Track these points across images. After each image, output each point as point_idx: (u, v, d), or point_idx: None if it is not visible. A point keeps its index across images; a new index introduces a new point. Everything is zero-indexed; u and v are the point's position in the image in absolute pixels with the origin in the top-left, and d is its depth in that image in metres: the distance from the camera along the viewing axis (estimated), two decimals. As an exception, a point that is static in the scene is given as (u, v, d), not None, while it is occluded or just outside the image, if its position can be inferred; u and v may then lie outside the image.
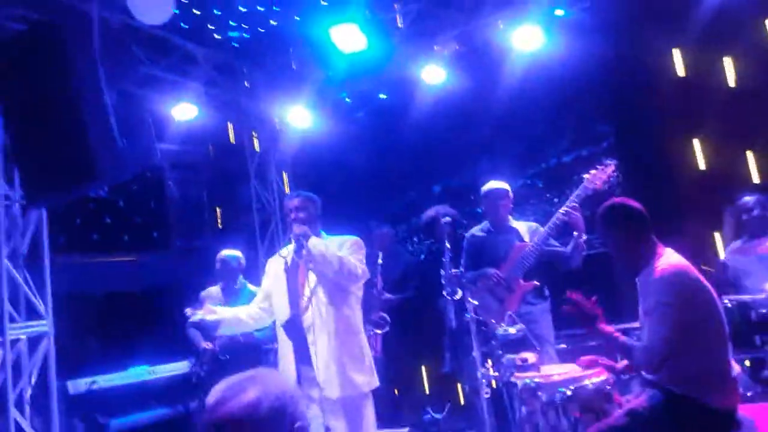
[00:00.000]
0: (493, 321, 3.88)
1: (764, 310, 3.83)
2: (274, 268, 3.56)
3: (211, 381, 4.87)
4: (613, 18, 5.49)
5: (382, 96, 7.10)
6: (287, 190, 7.47)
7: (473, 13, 5.92)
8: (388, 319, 5.21)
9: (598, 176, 4.08)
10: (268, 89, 7.24)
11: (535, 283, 4.22)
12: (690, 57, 5.57)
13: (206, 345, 5.00)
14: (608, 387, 3.00)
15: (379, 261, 5.32)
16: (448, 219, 4.51)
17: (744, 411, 2.78)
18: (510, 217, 4.53)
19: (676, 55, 5.61)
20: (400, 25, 6.24)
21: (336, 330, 3.23)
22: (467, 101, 6.42)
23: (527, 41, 5.59)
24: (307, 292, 3.30)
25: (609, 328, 2.89)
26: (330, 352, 3.16)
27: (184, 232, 7.55)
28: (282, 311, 3.39)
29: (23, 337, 4.18)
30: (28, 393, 4.14)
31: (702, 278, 2.76)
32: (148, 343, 5.76)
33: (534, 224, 4.49)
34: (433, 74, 6.13)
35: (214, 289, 5.25)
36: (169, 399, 5.38)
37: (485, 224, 4.60)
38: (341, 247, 3.42)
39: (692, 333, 2.62)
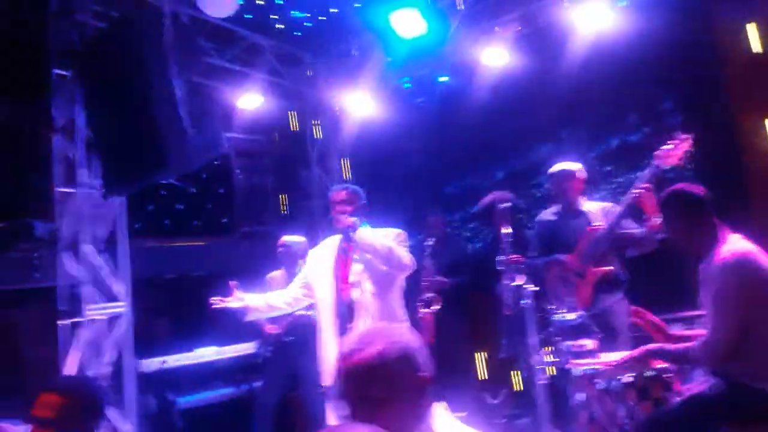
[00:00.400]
0: (564, 309, 3.84)
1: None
2: (317, 257, 3.67)
3: (275, 361, 5.11)
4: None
5: (443, 80, 7.08)
6: (347, 176, 7.59)
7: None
8: (439, 297, 5.22)
9: (672, 152, 3.79)
10: (328, 77, 7.35)
11: (609, 268, 4.07)
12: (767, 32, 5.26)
13: (271, 328, 5.18)
14: (668, 375, 2.94)
15: (429, 243, 5.36)
16: (506, 204, 4.49)
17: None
18: (583, 199, 4.39)
19: (751, 29, 5.32)
20: (460, 7, 6.19)
21: (380, 316, 3.31)
22: (529, 83, 6.29)
23: (592, 20, 5.41)
24: (352, 279, 3.40)
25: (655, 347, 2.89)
26: None
27: (249, 218, 7.80)
28: (326, 299, 3.49)
29: (103, 317, 4.46)
30: (107, 371, 4.41)
31: (769, 265, 2.65)
32: (216, 324, 6.00)
33: (609, 204, 4.33)
34: (495, 57, 6.04)
35: (278, 273, 5.42)
36: (235, 379, 5.60)
37: (556, 207, 4.50)
38: (386, 239, 3.48)
39: (756, 323, 2.53)
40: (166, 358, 5.27)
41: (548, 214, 4.53)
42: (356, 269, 3.43)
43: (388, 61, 6.74)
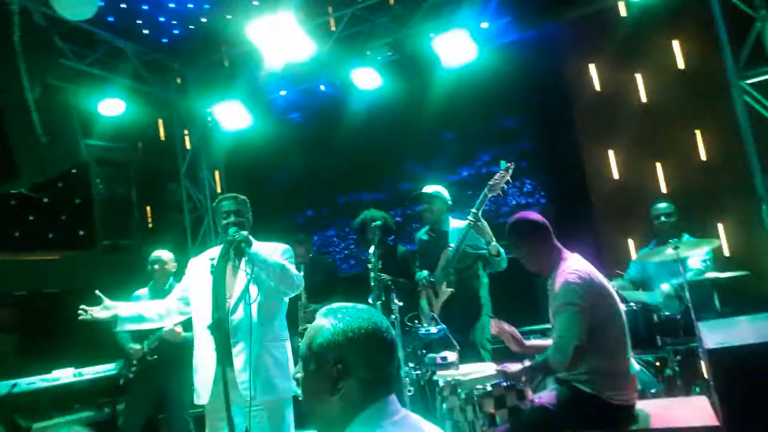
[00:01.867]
0: (427, 324, 4.06)
1: (666, 313, 4.15)
2: (199, 268, 3.45)
3: (139, 382, 4.86)
4: (535, 33, 5.78)
5: (316, 98, 7.17)
6: (219, 189, 7.43)
7: (405, 21, 6.09)
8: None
9: (500, 182, 4.13)
10: (200, 87, 7.19)
11: (451, 289, 4.33)
12: (605, 72, 5.93)
13: (134, 347, 4.93)
14: (521, 384, 3.21)
15: (301, 273, 5.33)
16: (378, 223, 4.66)
17: (643, 406, 3.06)
18: (450, 219, 4.60)
19: (593, 70, 5.97)
20: (333, 29, 6.35)
21: (263, 335, 3.21)
22: (400, 107, 6.61)
23: (456, 52, 5.80)
24: (235, 295, 3.26)
25: (529, 344, 3.18)
26: (255, 356, 3.12)
27: (111, 231, 7.37)
28: (205, 313, 3.27)
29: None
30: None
31: (605, 282, 3.01)
32: (74, 344, 5.61)
33: (462, 223, 4.47)
34: (367, 79, 6.26)
35: (145, 290, 5.18)
36: (95, 401, 5.27)
37: (428, 226, 4.72)
38: (275, 254, 3.36)
39: (594, 334, 2.85)
40: (17, 380, 4.84)
41: (422, 233, 4.76)
42: (240, 283, 3.25)
43: (263, 76, 6.73)
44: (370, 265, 4.88)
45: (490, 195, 4.15)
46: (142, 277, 5.35)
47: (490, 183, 4.15)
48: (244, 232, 3.27)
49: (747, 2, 5.07)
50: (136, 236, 7.43)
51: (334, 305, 1.53)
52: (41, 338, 5.81)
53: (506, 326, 3.28)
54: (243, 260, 3.21)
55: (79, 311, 3.38)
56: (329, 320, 1.48)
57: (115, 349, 5.14)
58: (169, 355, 4.79)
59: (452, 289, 4.35)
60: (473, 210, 4.15)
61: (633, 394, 2.95)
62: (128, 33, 6.39)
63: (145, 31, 6.70)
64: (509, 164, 4.15)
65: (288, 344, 3.38)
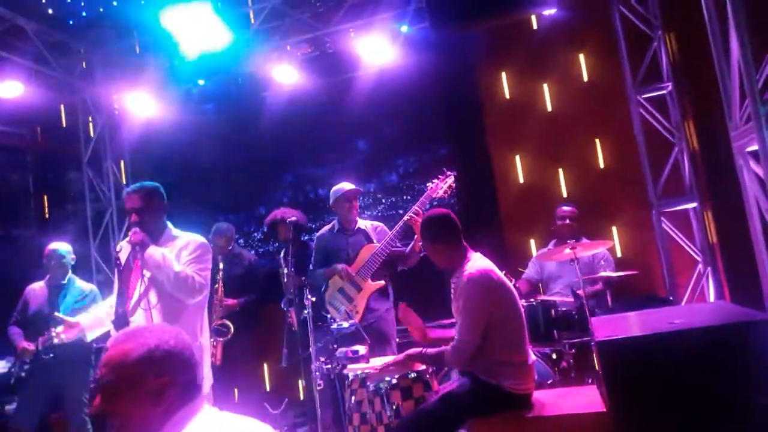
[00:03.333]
0: (341, 319, 4.08)
1: (562, 309, 4.41)
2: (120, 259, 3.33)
3: (33, 381, 4.59)
4: (451, 40, 5.96)
5: (233, 90, 7.02)
6: (124, 180, 7.14)
7: (325, 18, 6.12)
8: (230, 325, 5.17)
9: (439, 185, 4.43)
10: (107, 73, 6.88)
11: (382, 282, 4.42)
12: (515, 81, 6.22)
13: (26, 345, 4.66)
14: (427, 376, 3.31)
15: (220, 266, 5.25)
16: (292, 219, 4.65)
17: (539, 395, 3.25)
18: (358, 218, 4.69)
19: (504, 78, 6.24)
20: (253, 21, 6.27)
21: None
22: (319, 103, 6.61)
23: (375, 52, 5.92)
24: (136, 294, 3.16)
25: (432, 335, 3.28)
26: None
27: (3, 220, 6.89)
28: (112, 309, 3.19)
29: None
30: None
31: (504, 280, 3.17)
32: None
33: (379, 224, 4.69)
34: (286, 74, 6.24)
35: (40, 285, 4.90)
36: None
37: (334, 224, 4.75)
38: (182, 252, 3.25)
39: (493, 329, 3.01)
40: None
41: (326, 230, 4.77)
42: (142, 286, 3.15)
43: (176, 64, 6.54)
44: (281, 263, 4.90)
45: (430, 197, 4.41)
46: (37, 270, 5.05)
47: (430, 185, 4.43)
48: (140, 235, 3.15)
49: (645, 22, 5.50)
50: (32, 227, 6.99)
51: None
52: None
53: (413, 315, 3.37)
54: (141, 261, 3.12)
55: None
56: (136, 341, 1.57)
57: (4, 348, 4.84)
58: (68, 354, 4.56)
59: (383, 282, 4.41)
60: (416, 207, 4.29)
61: (530, 383, 3.13)
62: (32, 11, 6.00)
63: (50, 11, 6.33)
64: (451, 173, 4.48)
65: (201, 343, 3.30)
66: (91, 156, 6.96)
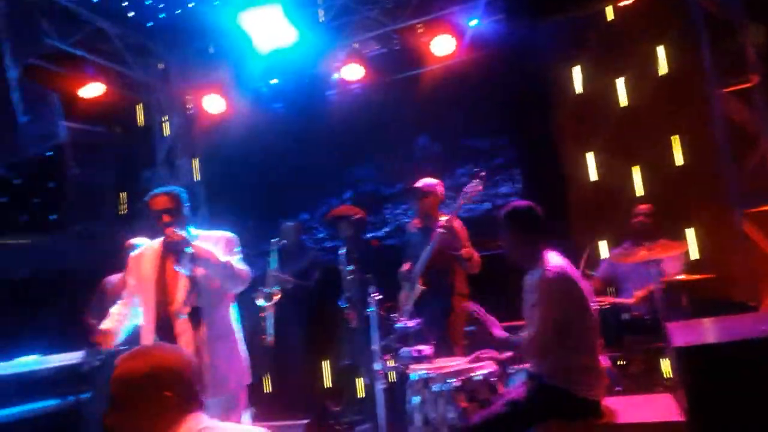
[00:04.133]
0: (405, 318, 4.06)
1: (635, 313, 4.22)
2: (139, 264, 3.34)
3: (105, 371, 4.78)
4: (522, 33, 5.81)
5: (301, 89, 7.11)
6: (197, 178, 7.35)
7: (394, 14, 6.09)
8: (277, 292, 5.23)
9: (475, 189, 4.23)
10: (182, 73, 7.09)
11: (422, 287, 4.36)
12: (588, 75, 5.99)
13: (101, 335, 4.85)
14: (494, 379, 3.23)
15: (276, 247, 5.41)
16: (356, 217, 4.67)
17: (610, 402, 3.10)
18: (440, 214, 4.57)
19: (576, 72, 6.03)
20: (322, 20, 6.32)
21: (209, 334, 3.08)
22: (386, 100, 6.58)
23: (443, 47, 5.84)
24: (180, 295, 3.15)
25: (502, 334, 3.17)
26: (203, 355, 2.99)
27: (83, 216, 7.23)
28: (148, 312, 3.21)
29: None
30: None
31: (580, 281, 3.04)
32: (40, 330, 5.51)
33: (456, 222, 4.52)
34: (353, 71, 6.26)
35: (116, 277, 5.11)
36: (59, 390, 5.16)
37: (419, 220, 4.72)
38: (217, 247, 3.24)
39: (567, 330, 2.89)
40: (-22, 366, 4.73)
41: (412, 225, 4.76)
42: (183, 283, 3.13)
43: (247, 64, 6.67)
44: (341, 260, 4.94)
45: (463, 203, 4.26)
46: (114, 263, 5.26)
47: (465, 191, 4.25)
48: (181, 233, 3.11)
49: (728, 11, 5.17)
50: (111, 222, 7.31)
51: (138, 348, 1.83)
52: (8, 323, 5.69)
53: (483, 311, 3.28)
54: (182, 260, 3.08)
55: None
56: (142, 360, 1.72)
57: (82, 338, 5.06)
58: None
59: (423, 287, 4.36)
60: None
61: (601, 389, 2.99)
62: (113, 14, 6.27)
63: (131, 14, 6.59)
64: (482, 173, 4.27)
65: (235, 336, 3.33)
66: (166, 154, 7.19)
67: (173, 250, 3.12)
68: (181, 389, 1.69)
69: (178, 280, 3.18)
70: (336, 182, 7.12)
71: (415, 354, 3.54)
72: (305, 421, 4.52)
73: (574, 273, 3.04)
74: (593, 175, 5.92)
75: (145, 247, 3.46)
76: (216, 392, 3.05)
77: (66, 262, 6.42)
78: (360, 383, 5.61)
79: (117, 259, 5.14)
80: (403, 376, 3.71)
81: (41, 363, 5.10)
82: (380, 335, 3.91)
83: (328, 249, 6.86)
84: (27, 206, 6.64)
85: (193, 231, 3.30)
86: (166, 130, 7.32)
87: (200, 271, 3.09)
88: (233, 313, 3.40)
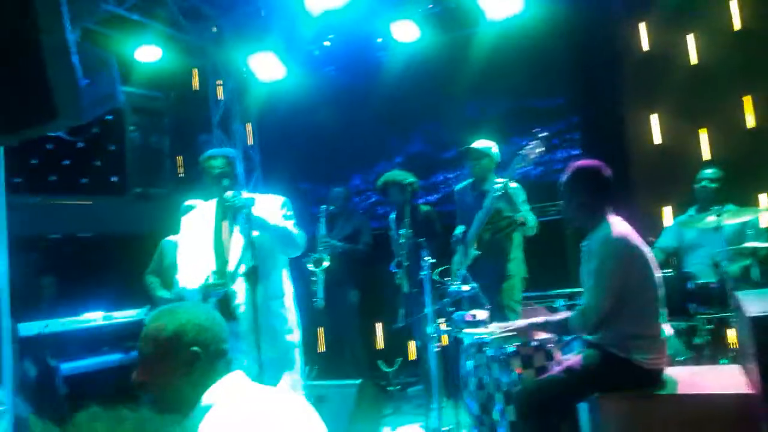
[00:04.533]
0: (457, 282, 3.99)
1: (700, 281, 4.04)
2: (192, 225, 3.36)
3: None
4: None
5: (355, 49, 7.02)
6: (250, 142, 7.41)
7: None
8: (327, 258, 5.28)
9: (534, 150, 4.00)
10: (236, 37, 7.09)
11: (476, 252, 4.28)
12: (655, 32, 5.67)
13: (163, 294, 5.01)
14: (550, 345, 3.16)
15: (326, 212, 5.49)
16: (408, 181, 4.61)
17: (671, 372, 2.98)
18: (493, 177, 4.47)
19: (642, 29, 5.71)
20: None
21: (265, 294, 3.15)
22: (440, 62, 6.41)
23: (500, 6, 5.60)
24: (236, 255, 3.19)
25: (539, 320, 3.07)
26: (258, 313, 3.02)
27: (142, 179, 7.43)
28: (202, 271, 3.19)
29: (-24, 275, 4.10)
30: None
31: (643, 247, 2.90)
32: (104, 288, 5.73)
33: (513, 185, 4.40)
34: (406, 32, 6.11)
35: (174, 238, 5.24)
36: (123, 345, 5.39)
37: (471, 182, 4.64)
38: (271, 210, 3.28)
39: (629, 298, 2.78)
40: (48, 321, 4.98)
41: (462, 186, 4.69)
42: (240, 244, 3.17)
43: (299, 27, 6.61)
44: (391, 225, 4.90)
45: (520, 166, 4.06)
46: (171, 225, 5.40)
47: (523, 153, 4.03)
48: (245, 195, 3.14)
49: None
50: (167, 185, 7.48)
51: (166, 307, 1.79)
52: (73, 281, 5.93)
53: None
54: (240, 221, 3.11)
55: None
56: (169, 317, 1.72)
57: (143, 295, 5.23)
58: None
59: (477, 252, 4.28)
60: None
61: (663, 358, 2.88)
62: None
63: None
64: (543, 134, 4.01)
65: (289, 297, 3.38)
66: (221, 118, 7.26)
67: (231, 212, 3.15)
68: (208, 345, 1.71)
69: (234, 240, 3.22)
70: (388, 146, 7.06)
71: (470, 318, 3.49)
72: (358, 382, 4.57)
73: (638, 239, 2.90)
74: (657, 138, 5.65)
75: (199, 208, 3.49)
76: (270, 351, 3.10)
77: (126, 223, 6.62)
78: (412, 346, 5.63)
79: (174, 221, 5.29)
80: (456, 340, 3.68)
81: (106, 319, 5.33)
82: (433, 299, 3.88)
83: (380, 215, 6.85)
84: (89, 168, 6.85)
85: (247, 194, 3.30)
86: (220, 94, 7.38)
87: (257, 233, 3.11)
88: (287, 275, 3.45)
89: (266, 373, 2.99)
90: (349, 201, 6.00)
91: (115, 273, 6.03)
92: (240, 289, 3.18)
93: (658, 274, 2.93)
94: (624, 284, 2.76)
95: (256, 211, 3.15)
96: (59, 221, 6.35)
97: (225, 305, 3.16)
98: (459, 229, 4.50)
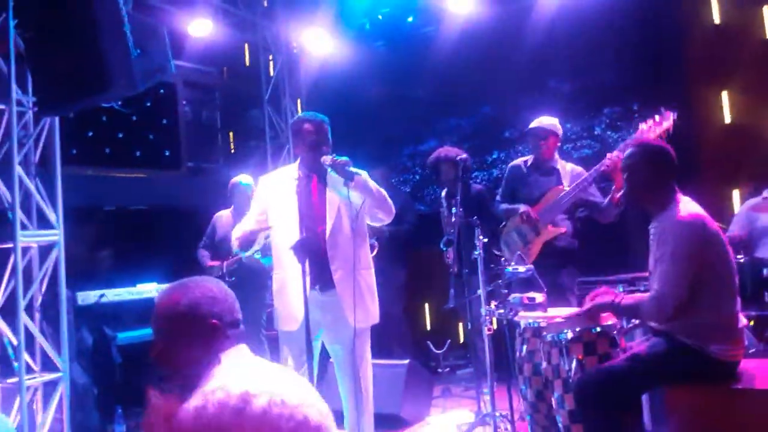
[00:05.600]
0: (513, 262, 3.84)
1: (776, 269, 3.80)
2: (276, 189, 3.29)
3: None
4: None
5: (406, 23, 6.86)
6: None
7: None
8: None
9: (653, 128, 3.73)
10: (286, 12, 7.03)
11: (563, 229, 4.13)
12: (727, 4, 5.32)
13: (213, 266, 5.04)
14: (614, 332, 3.00)
15: None
16: (462, 157, 4.45)
17: (745, 365, 2.79)
18: (556, 157, 4.35)
19: (713, 1, 5.37)
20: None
21: (357, 260, 3.15)
22: (495, 35, 6.17)
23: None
24: (330, 218, 3.17)
25: (605, 300, 2.89)
26: (351, 281, 3.08)
27: (195, 153, 7.50)
28: (291, 234, 3.08)
29: (34, 245, 4.19)
30: (39, 301, 4.18)
31: (718, 230, 2.71)
32: (157, 260, 5.81)
33: (579, 169, 4.29)
34: (461, 3, 5.92)
35: (225, 213, 5.27)
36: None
37: (529, 158, 4.48)
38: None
39: (702, 284, 2.60)
40: (104, 291, 5.08)
41: (521, 162, 4.51)
42: (333, 205, 3.18)
43: (349, 1, 6.51)
44: (443, 203, 4.77)
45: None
46: (222, 199, 5.42)
47: (643, 126, 3.77)
48: (344, 157, 3.11)
49: None
50: (219, 160, 7.53)
51: (178, 282, 1.78)
52: (128, 253, 6.04)
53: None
54: (345, 182, 3.07)
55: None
56: (183, 291, 1.71)
57: (194, 267, 5.27)
58: (247, 278, 4.86)
59: (564, 229, 4.13)
60: (617, 152, 3.77)
61: (740, 350, 2.70)
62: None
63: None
64: (671, 112, 3.73)
65: (372, 271, 3.33)
66: (271, 94, 7.23)
67: (338, 172, 3.09)
68: (223, 316, 1.71)
69: (327, 203, 3.20)
70: (438, 124, 6.90)
71: (527, 301, 3.35)
72: (407, 362, 4.51)
73: (711, 221, 2.71)
74: (727, 117, 5.33)
75: (278, 174, 3.44)
76: (359, 321, 3.11)
77: (179, 197, 6.70)
78: (461, 328, 5.54)
79: (226, 195, 5.30)
80: (510, 324, 3.55)
81: (159, 290, 5.39)
82: (486, 280, 3.75)
83: (427, 193, 6.74)
84: (142, 142, 6.93)
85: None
86: (271, 69, 7.34)
87: (355, 196, 3.11)
88: (368, 248, 3.42)
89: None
90: (388, 180, 5.79)
91: (168, 245, 6.11)
92: (337, 252, 3.16)
93: (733, 258, 2.74)
94: (701, 269, 2.58)
95: (359, 173, 3.16)
96: (114, 193, 6.45)
97: (320, 269, 3.14)
98: (520, 207, 4.30)
